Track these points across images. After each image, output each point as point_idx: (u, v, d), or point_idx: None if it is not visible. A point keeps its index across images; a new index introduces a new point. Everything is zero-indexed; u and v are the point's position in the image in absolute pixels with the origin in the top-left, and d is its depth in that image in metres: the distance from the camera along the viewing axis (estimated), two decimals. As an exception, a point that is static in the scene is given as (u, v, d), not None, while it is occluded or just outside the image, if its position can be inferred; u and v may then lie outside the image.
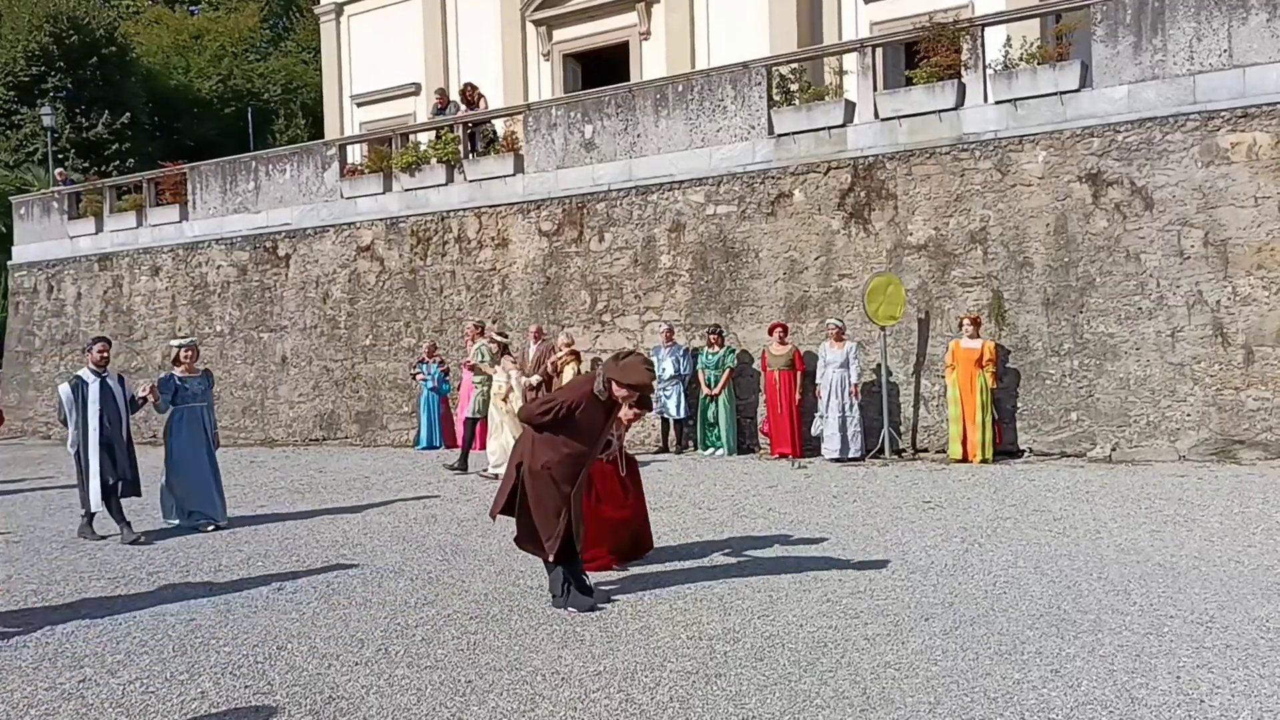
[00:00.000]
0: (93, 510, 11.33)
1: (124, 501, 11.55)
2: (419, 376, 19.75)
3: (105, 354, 11.58)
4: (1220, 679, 5.86)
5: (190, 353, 12.38)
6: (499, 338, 15.76)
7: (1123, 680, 5.88)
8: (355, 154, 24.49)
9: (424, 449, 19.55)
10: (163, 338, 25.00)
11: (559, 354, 17.62)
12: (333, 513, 12.84)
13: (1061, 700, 5.61)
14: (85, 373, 11.48)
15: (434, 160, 21.26)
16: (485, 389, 16.11)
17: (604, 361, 8.02)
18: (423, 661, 6.65)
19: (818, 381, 15.72)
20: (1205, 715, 5.37)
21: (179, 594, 8.77)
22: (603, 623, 7.37)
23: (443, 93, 24.36)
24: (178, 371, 12.28)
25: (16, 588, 9.19)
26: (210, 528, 11.77)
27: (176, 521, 12.01)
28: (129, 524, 11.27)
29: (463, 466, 15.99)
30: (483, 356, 16.18)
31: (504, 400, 14.86)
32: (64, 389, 11.42)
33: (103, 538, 11.20)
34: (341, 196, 22.50)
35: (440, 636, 7.19)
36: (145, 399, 11.83)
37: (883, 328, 15.42)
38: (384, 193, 21.90)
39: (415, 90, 29.69)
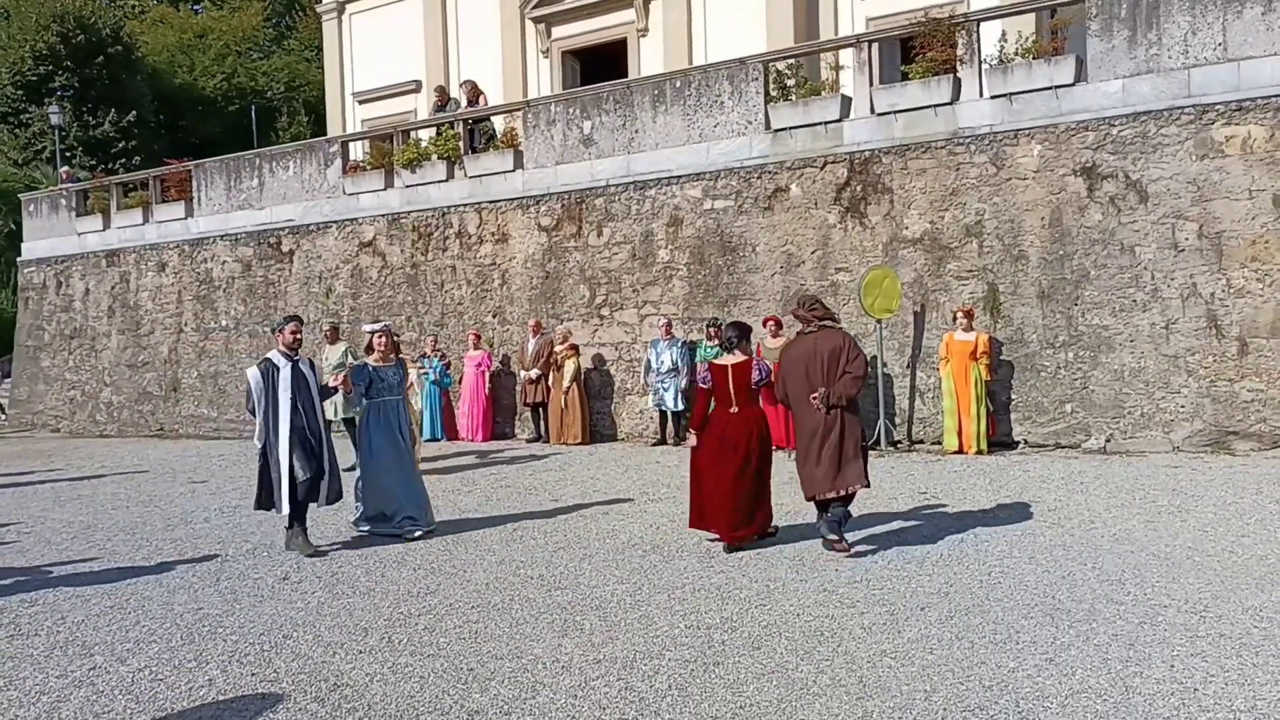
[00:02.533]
0: (285, 511, 9.90)
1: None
2: (420, 370, 19.86)
3: (298, 335, 10.15)
4: (1214, 668, 5.91)
5: (385, 339, 10.96)
6: (392, 335, 15.77)
7: (1117, 669, 5.93)
8: (357, 151, 24.54)
9: (426, 441, 19.63)
10: (169, 333, 25.16)
11: (562, 348, 17.85)
12: (335, 505, 12.87)
13: (1056, 688, 5.66)
14: (275, 356, 10.05)
15: (435, 157, 21.34)
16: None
17: (813, 314, 9.34)
18: (425, 650, 6.74)
19: (814, 374, 15.77)
20: (1199, 704, 5.41)
21: (187, 583, 8.89)
22: (602, 612, 7.45)
23: (443, 90, 24.40)
24: (371, 360, 10.91)
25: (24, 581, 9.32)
26: (417, 534, 10.48)
27: (367, 529, 10.72)
28: (305, 533, 10.08)
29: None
30: (350, 358, 16.08)
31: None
32: (253, 373, 9.99)
33: (323, 552, 10.00)
34: (344, 193, 22.60)
35: (443, 625, 7.28)
36: (335, 389, 10.52)
37: (879, 321, 15.48)
38: (385, 189, 21.99)
39: (416, 87, 29.74)
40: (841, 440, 9.00)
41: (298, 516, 9.99)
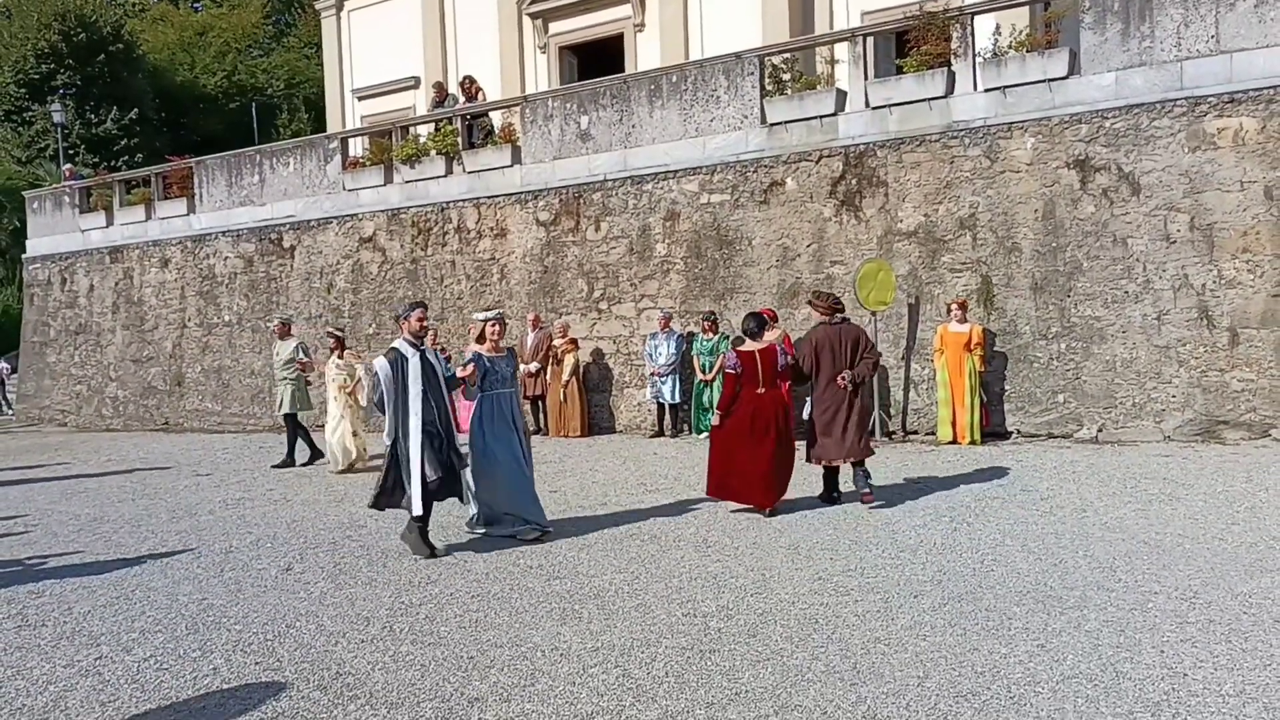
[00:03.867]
0: (417, 513, 9.20)
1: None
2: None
3: (424, 322, 9.53)
4: (1203, 653, 5.96)
5: (497, 328, 10.18)
6: (336, 332, 15.84)
7: (1108, 655, 5.98)
8: (357, 147, 24.60)
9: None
10: (173, 328, 25.25)
11: (561, 342, 17.96)
12: (339, 495, 13.01)
13: (1048, 674, 5.72)
14: (403, 345, 9.39)
15: (433, 152, 21.43)
16: (295, 386, 16.35)
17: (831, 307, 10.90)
18: (426, 638, 6.79)
19: (809, 366, 15.86)
20: (1188, 688, 5.46)
21: (191, 574, 8.97)
22: (600, 600, 7.51)
23: (441, 86, 24.49)
24: (483, 349, 10.11)
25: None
26: (533, 535, 9.76)
27: (482, 531, 9.98)
28: (426, 534, 9.41)
29: (290, 461, 16.17)
30: (302, 353, 16.34)
31: (350, 395, 15.07)
32: (381, 364, 9.27)
33: (435, 554, 9.26)
34: (344, 189, 22.70)
35: (443, 614, 7.34)
36: (463, 381, 9.70)
37: (874, 313, 15.56)
38: (385, 185, 22.10)
39: (414, 83, 29.79)
40: (863, 417, 10.87)
41: (422, 517, 9.33)
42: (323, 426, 16.12)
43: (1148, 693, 5.43)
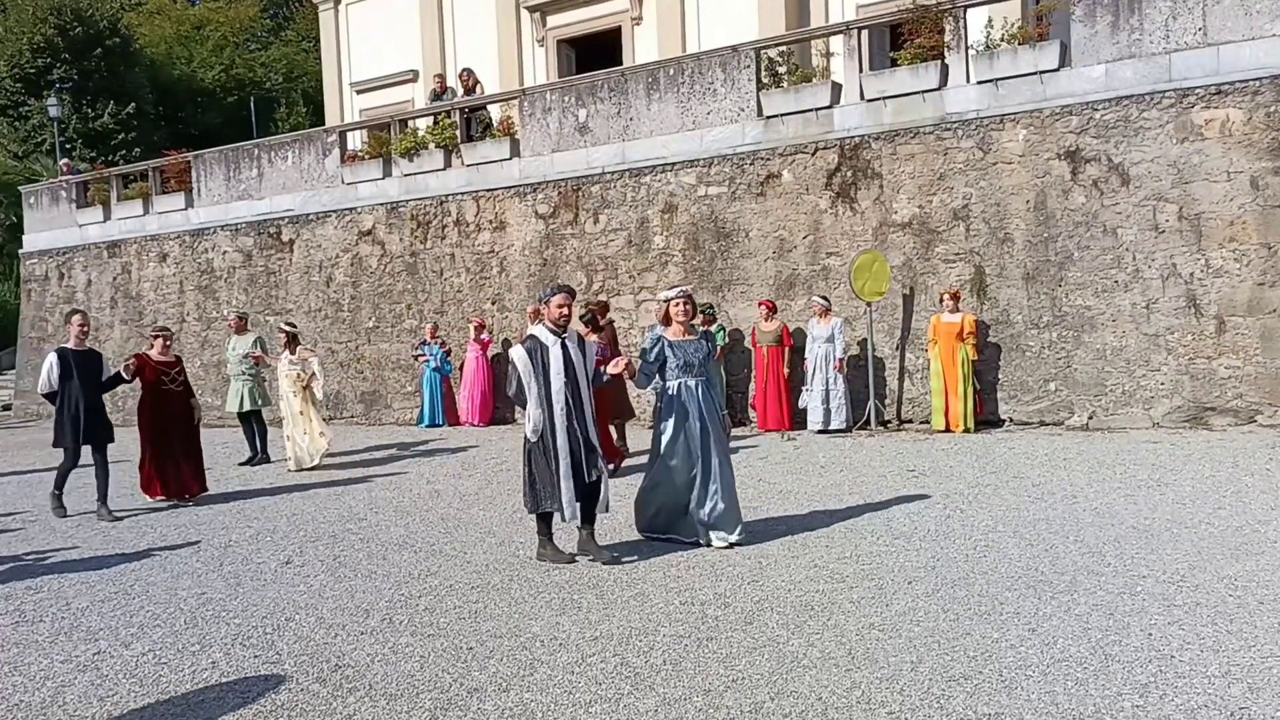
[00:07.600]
0: (567, 521, 8.42)
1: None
2: (421, 358, 20.10)
3: (564, 309, 8.46)
4: (1190, 635, 6.00)
5: (686, 306, 9.01)
6: (287, 328, 15.51)
7: (1097, 638, 6.02)
8: (355, 140, 24.67)
9: (428, 427, 19.87)
10: (172, 323, 25.24)
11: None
12: (339, 488, 13.05)
13: (1038, 657, 5.75)
14: (541, 332, 8.51)
15: (432, 145, 21.48)
16: (253, 383, 16.16)
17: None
18: (426, 630, 6.79)
19: (805, 357, 16.01)
20: (1175, 670, 5.49)
21: (190, 568, 8.98)
22: (599, 589, 7.54)
23: (441, 78, 24.56)
24: (669, 333, 8.96)
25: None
26: (721, 545, 8.72)
27: (648, 535, 9.10)
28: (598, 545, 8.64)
29: (264, 456, 16.12)
30: (260, 347, 16.14)
31: (305, 389, 14.82)
32: (518, 353, 8.44)
33: (575, 559, 8.56)
34: (343, 182, 22.74)
35: (443, 606, 7.34)
36: (604, 373, 8.88)
37: (869, 303, 15.67)
38: (384, 178, 22.15)
39: (413, 77, 29.77)
40: None
41: (547, 522, 8.59)
42: (279, 424, 15.76)
43: (1136, 674, 5.47)
